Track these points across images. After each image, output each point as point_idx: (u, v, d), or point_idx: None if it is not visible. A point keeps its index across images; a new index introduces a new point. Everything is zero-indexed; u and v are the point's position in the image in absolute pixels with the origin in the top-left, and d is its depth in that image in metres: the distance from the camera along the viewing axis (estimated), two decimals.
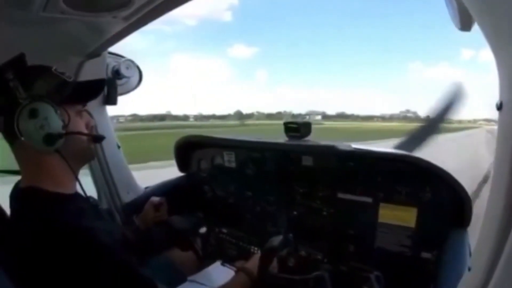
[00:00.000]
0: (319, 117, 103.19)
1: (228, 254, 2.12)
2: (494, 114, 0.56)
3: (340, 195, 1.62)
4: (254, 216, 2.00)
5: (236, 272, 1.33)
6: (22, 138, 0.93)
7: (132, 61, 1.89)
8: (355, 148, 1.55)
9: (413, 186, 1.42)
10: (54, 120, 0.96)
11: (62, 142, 0.98)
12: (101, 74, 1.76)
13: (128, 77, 1.91)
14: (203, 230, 1.72)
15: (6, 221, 1.08)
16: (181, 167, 2.33)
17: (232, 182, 2.07)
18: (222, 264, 1.91)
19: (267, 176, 1.90)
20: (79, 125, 1.07)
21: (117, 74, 1.85)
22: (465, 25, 0.67)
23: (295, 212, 1.81)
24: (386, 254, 1.50)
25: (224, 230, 2.15)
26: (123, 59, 1.87)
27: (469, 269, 0.69)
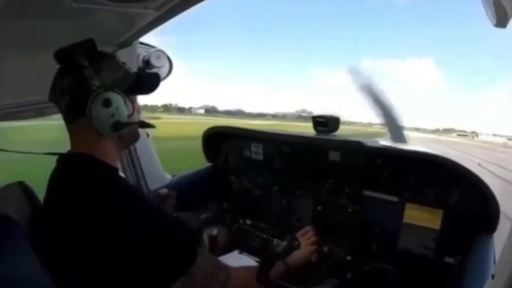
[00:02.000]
0: (202, 111, 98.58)
1: (250, 245, 2.13)
2: None
3: (366, 193, 1.59)
4: (278, 210, 1.99)
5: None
6: (93, 122, 1.01)
7: (162, 51, 1.91)
8: (383, 145, 1.51)
9: (441, 187, 1.38)
10: (123, 110, 1.04)
11: (125, 129, 1.06)
12: (132, 64, 1.78)
13: (158, 67, 1.93)
14: (213, 232, 1.67)
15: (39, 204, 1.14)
16: (208, 157, 2.34)
17: (258, 174, 2.07)
18: (240, 253, 1.93)
19: (293, 170, 1.88)
20: (137, 114, 1.16)
21: (147, 64, 1.88)
22: (500, 21, 0.64)
23: (320, 208, 1.79)
24: (409, 255, 1.47)
25: (248, 222, 2.15)
26: (153, 49, 1.88)
27: (493, 277, 0.66)
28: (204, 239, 1.67)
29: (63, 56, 1.01)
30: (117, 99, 1.02)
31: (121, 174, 1.97)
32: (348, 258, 1.66)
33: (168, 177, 2.18)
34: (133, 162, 1.98)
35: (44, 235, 0.99)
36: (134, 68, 1.78)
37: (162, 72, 1.98)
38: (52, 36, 1.02)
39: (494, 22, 0.66)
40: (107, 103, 1.00)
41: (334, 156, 1.69)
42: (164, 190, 1.66)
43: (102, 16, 1.27)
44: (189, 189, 2.18)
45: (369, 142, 1.54)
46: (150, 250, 0.95)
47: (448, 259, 1.37)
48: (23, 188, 1.18)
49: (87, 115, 1.00)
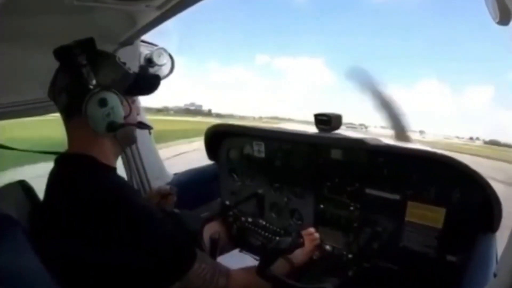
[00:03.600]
0: None
1: (251, 243, 2.13)
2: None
3: (368, 191, 1.58)
4: (280, 208, 2.00)
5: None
6: (88, 121, 1.02)
7: (164, 50, 1.91)
8: (385, 144, 1.51)
9: (443, 186, 1.37)
10: (119, 110, 1.05)
11: (121, 129, 1.07)
12: (134, 62, 1.79)
13: (161, 66, 1.93)
14: (215, 235, 1.62)
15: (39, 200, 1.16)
16: (210, 155, 2.34)
17: (260, 172, 2.06)
18: (241, 251, 1.93)
19: (295, 168, 1.88)
20: (135, 115, 1.16)
21: (149, 62, 1.87)
22: (503, 19, 0.64)
23: (321, 206, 1.79)
24: (411, 253, 1.47)
25: (250, 220, 2.15)
26: (155, 48, 1.88)
27: (495, 275, 0.66)
28: (205, 240, 1.66)
29: (62, 54, 1.02)
30: (114, 99, 1.03)
31: (123, 172, 1.98)
32: (350, 256, 1.66)
33: (170, 175, 2.19)
34: (135, 160, 1.98)
35: (43, 233, 1.00)
36: (135, 67, 1.79)
37: (164, 70, 1.99)
38: (54, 33, 1.02)
39: (497, 20, 0.66)
40: (103, 102, 1.01)
41: (336, 154, 1.68)
42: (166, 187, 1.65)
43: (104, 14, 1.27)
44: (190, 187, 2.19)
45: (372, 140, 1.53)
46: (142, 253, 0.95)
47: (450, 258, 1.37)
48: (24, 187, 1.19)
49: (83, 114, 1.00)
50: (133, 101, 1.15)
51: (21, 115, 1.69)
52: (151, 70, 1.91)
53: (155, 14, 1.29)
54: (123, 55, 1.66)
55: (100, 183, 1.01)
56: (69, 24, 1.28)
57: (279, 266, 1.32)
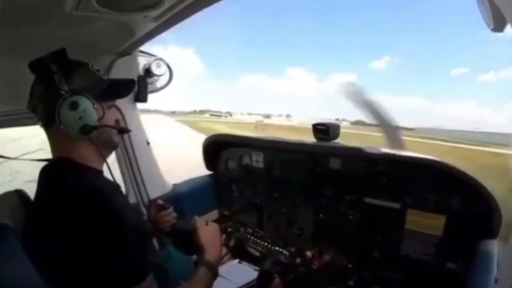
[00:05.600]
0: None
1: (250, 254, 2.11)
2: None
3: (367, 200, 1.58)
4: (279, 218, 1.99)
5: (195, 267, 1.15)
6: (62, 126, 1.03)
7: (162, 60, 1.92)
8: (384, 152, 1.51)
9: (442, 193, 1.38)
10: (91, 113, 1.06)
11: (95, 132, 1.08)
12: (133, 72, 1.80)
13: (159, 76, 1.94)
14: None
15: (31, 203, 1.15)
16: (208, 166, 2.34)
17: (259, 182, 2.06)
18: (240, 262, 1.92)
19: (294, 178, 1.88)
20: (110, 118, 1.16)
21: (147, 72, 1.89)
22: (497, 26, 0.64)
23: (321, 215, 1.78)
24: (411, 262, 1.46)
25: (250, 230, 2.14)
26: (154, 58, 1.89)
27: (496, 282, 0.66)
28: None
29: (36, 65, 1.04)
30: (85, 103, 1.04)
31: (121, 182, 1.98)
32: (350, 265, 1.65)
33: (169, 184, 2.17)
34: (133, 170, 1.97)
35: (33, 239, 0.98)
36: (134, 77, 1.80)
37: (163, 80, 2.00)
38: (53, 43, 1.03)
39: (492, 27, 0.66)
40: (73, 106, 1.02)
41: (334, 163, 1.69)
42: (161, 202, 1.58)
43: (102, 25, 1.28)
44: (189, 197, 2.18)
45: (370, 149, 1.53)
46: (104, 256, 0.94)
47: (451, 265, 1.36)
48: (20, 196, 1.19)
49: (57, 120, 1.03)
50: (110, 106, 1.17)
51: (17, 124, 1.70)
52: (150, 81, 1.92)
53: (153, 25, 1.31)
54: (121, 65, 1.68)
55: (76, 182, 1.01)
56: (67, 34, 1.29)
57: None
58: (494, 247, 1.24)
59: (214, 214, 2.30)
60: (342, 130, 1.78)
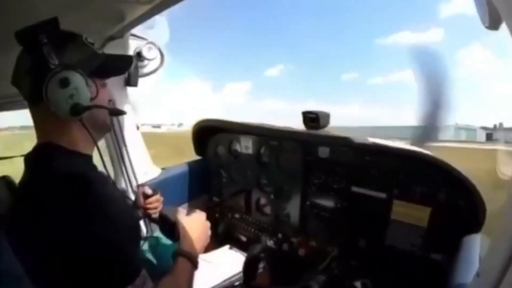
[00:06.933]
0: None
1: (238, 239, 2.14)
2: None
3: (354, 189, 1.60)
4: (267, 204, 2.01)
5: (175, 257, 1.09)
6: (50, 105, 0.91)
7: (153, 43, 1.89)
8: (372, 142, 1.52)
9: (429, 185, 1.40)
10: (84, 91, 0.94)
11: (87, 113, 0.96)
12: None
13: (150, 60, 1.92)
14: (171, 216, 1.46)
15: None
16: (198, 151, 2.35)
17: (248, 168, 2.07)
18: (230, 248, 1.95)
19: (282, 165, 1.90)
20: (104, 98, 1.05)
21: (139, 56, 1.86)
22: (492, 24, 0.65)
23: (308, 203, 1.81)
24: (396, 251, 1.49)
25: (237, 216, 2.17)
26: (145, 41, 1.87)
27: (478, 275, 0.68)
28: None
29: (23, 34, 0.91)
30: (77, 79, 0.92)
31: (110, 166, 1.97)
32: (336, 253, 1.68)
33: (157, 170, 2.17)
34: (122, 155, 1.96)
35: (16, 228, 0.90)
36: None
37: (154, 64, 1.98)
38: None
39: (486, 24, 0.66)
40: (64, 82, 0.90)
41: (323, 151, 1.70)
42: (149, 190, 1.53)
43: (94, 7, 1.26)
44: (178, 182, 2.19)
45: (358, 138, 1.55)
46: (86, 252, 0.82)
47: (435, 256, 1.39)
48: (7, 183, 1.16)
49: (45, 98, 0.91)
50: (104, 85, 1.06)
51: (6, 108, 1.67)
52: (141, 64, 1.90)
53: (144, 8, 1.29)
54: (113, 48, 1.66)
55: (60, 168, 0.90)
56: (58, 18, 1.26)
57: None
58: (477, 241, 1.27)
59: (203, 199, 2.32)
60: None
